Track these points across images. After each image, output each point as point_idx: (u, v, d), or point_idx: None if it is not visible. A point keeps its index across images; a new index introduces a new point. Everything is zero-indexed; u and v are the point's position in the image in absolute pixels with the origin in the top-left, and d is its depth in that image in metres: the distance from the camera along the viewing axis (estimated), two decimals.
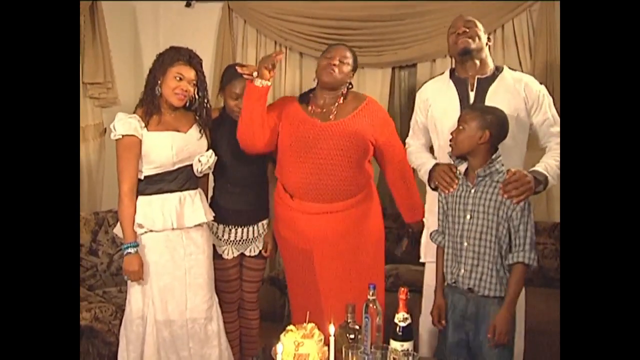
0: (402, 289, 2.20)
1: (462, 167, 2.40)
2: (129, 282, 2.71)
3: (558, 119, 2.56)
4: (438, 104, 2.63)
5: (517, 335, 2.55)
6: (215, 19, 4.13)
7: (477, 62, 2.57)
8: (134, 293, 2.70)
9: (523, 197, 2.25)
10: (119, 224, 2.74)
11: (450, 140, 2.34)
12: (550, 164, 2.44)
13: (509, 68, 2.67)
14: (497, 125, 2.30)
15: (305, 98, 2.85)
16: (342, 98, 2.79)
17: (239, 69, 2.71)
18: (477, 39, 2.55)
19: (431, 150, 2.74)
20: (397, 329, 2.13)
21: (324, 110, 2.77)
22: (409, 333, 2.14)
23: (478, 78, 2.56)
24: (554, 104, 3.46)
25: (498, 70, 2.61)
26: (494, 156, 2.29)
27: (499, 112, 2.34)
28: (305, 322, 2.31)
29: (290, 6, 3.98)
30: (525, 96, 2.54)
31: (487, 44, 2.61)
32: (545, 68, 3.54)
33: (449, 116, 2.52)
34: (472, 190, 2.31)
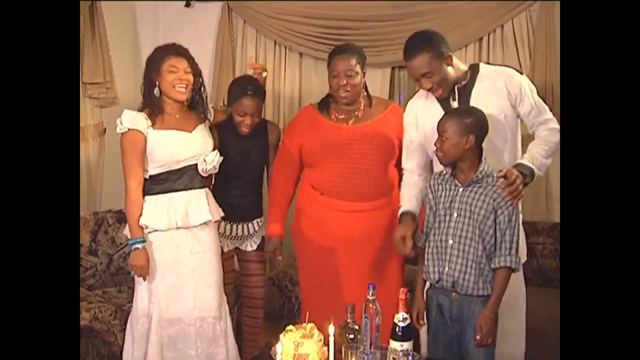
0: (402, 289, 2.20)
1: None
2: (136, 280, 2.73)
3: (544, 105, 2.54)
4: (426, 120, 2.56)
5: (517, 337, 2.56)
6: (214, 19, 4.13)
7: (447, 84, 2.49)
8: (141, 291, 2.72)
9: (517, 200, 2.28)
10: (127, 225, 2.76)
11: (436, 151, 2.33)
12: (535, 155, 2.42)
13: (486, 63, 2.61)
14: (477, 127, 2.30)
15: (325, 105, 2.86)
16: (364, 103, 2.81)
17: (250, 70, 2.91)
18: (438, 77, 2.43)
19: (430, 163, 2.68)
20: (397, 329, 2.13)
21: (348, 115, 2.80)
22: (409, 333, 2.14)
23: (457, 88, 2.49)
24: (554, 104, 3.50)
25: (474, 70, 2.53)
26: (482, 160, 2.31)
27: (476, 111, 2.33)
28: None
29: (289, 6, 3.98)
30: (508, 92, 2.47)
31: (447, 61, 2.44)
32: (545, 68, 3.54)
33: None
34: (461, 189, 2.32)
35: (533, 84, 2.56)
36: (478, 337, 2.22)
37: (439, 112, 2.48)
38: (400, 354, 2.11)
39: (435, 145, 2.33)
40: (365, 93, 2.85)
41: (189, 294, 2.72)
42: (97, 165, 3.94)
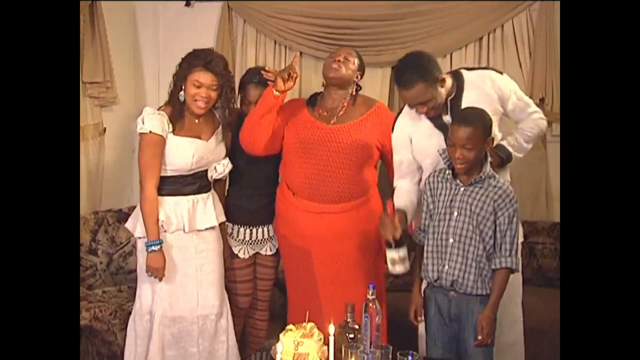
0: (389, 201, 2.36)
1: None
2: (139, 278, 2.75)
3: (527, 101, 2.59)
4: (420, 138, 2.54)
5: (517, 332, 2.57)
6: (214, 19, 4.12)
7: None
8: (145, 289, 2.73)
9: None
10: (130, 218, 2.77)
11: (456, 162, 2.27)
12: (516, 137, 2.51)
13: (465, 69, 2.59)
14: (491, 128, 2.30)
15: (313, 101, 2.89)
16: (348, 101, 2.81)
17: (263, 73, 2.80)
18: (433, 101, 2.41)
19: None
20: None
21: (331, 113, 2.80)
22: (402, 240, 2.28)
23: (449, 101, 2.46)
24: (554, 104, 3.50)
25: (459, 79, 2.49)
26: (486, 160, 2.30)
27: (482, 112, 2.32)
28: (304, 321, 2.31)
29: (289, 6, 3.98)
30: (497, 95, 2.48)
31: (442, 83, 2.42)
32: (545, 68, 3.53)
33: (433, 144, 2.47)
34: (462, 189, 2.32)
35: (533, 83, 2.56)
36: (479, 338, 2.22)
37: (430, 129, 2.50)
38: (398, 259, 2.32)
39: (455, 156, 2.26)
40: (354, 93, 2.84)
41: (192, 292, 2.74)
42: (97, 164, 3.92)
